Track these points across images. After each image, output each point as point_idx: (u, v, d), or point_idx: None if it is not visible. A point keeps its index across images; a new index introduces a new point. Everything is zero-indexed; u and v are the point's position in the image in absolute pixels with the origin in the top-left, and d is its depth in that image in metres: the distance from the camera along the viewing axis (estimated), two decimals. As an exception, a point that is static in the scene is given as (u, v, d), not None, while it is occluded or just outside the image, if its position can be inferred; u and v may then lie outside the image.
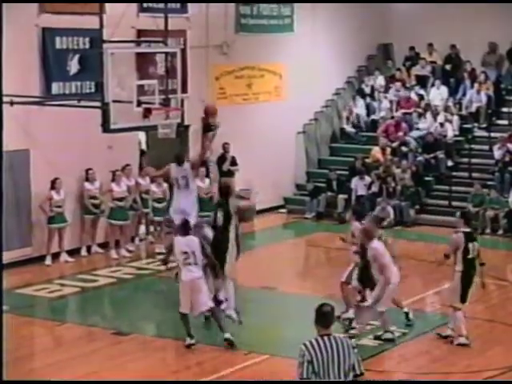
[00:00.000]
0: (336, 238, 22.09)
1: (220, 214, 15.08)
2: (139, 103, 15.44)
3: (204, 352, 14.36)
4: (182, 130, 20.04)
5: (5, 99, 17.20)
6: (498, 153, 24.05)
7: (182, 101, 17.56)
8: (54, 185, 19.36)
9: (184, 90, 20.76)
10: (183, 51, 19.71)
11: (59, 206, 19.52)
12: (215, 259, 14.89)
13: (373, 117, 26.82)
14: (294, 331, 16.03)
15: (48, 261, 19.32)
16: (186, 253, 13.97)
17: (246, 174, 23.41)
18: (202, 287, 14.15)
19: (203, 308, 14.18)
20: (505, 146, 23.96)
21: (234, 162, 23.51)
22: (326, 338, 8.11)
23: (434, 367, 13.77)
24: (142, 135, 21.39)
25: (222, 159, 23.48)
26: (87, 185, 20.18)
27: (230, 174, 23.40)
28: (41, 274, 17.78)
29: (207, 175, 22.08)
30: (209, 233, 15.26)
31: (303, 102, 25.55)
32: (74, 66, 19.42)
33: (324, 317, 8.41)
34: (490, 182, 23.69)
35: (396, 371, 14.04)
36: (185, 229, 14.21)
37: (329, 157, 26.80)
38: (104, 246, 20.63)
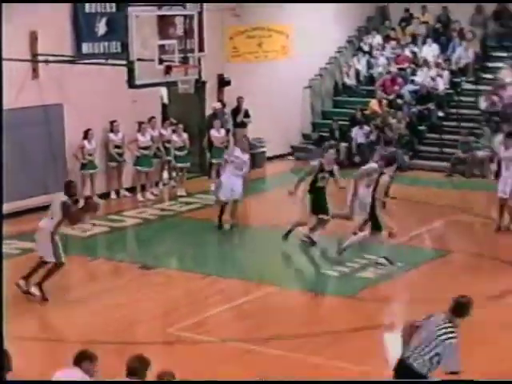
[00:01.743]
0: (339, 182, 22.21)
1: None
2: (161, 61, 15.40)
3: (220, 283, 14.44)
4: (200, 85, 20.08)
5: (41, 58, 17.36)
6: (484, 104, 23.99)
7: (199, 59, 17.46)
8: (86, 135, 19.45)
9: (201, 49, 20.65)
10: (200, 14, 19.65)
11: (91, 155, 19.63)
12: None
13: (371, 72, 26.65)
14: (299, 265, 16.18)
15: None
16: None
17: (258, 125, 23.38)
18: None
19: None
20: (490, 98, 23.89)
21: (246, 114, 23.49)
22: None
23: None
24: (163, 90, 21.33)
25: (236, 111, 23.49)
26: (111, 135, 20.25)
27: (244, 125, 23.47)
28: (75, 215, 17.84)
29: (222, 126, 22.08)
30: None
31: (308, 60, 25.46)
32: (101, 27, 19.42)
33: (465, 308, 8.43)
34: (476, 131, 23.63)
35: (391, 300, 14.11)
36: None
37: (332, 109, 26.70)
38: (131, 190, 20.71)
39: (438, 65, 25.65)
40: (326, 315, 13.26)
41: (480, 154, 22.77)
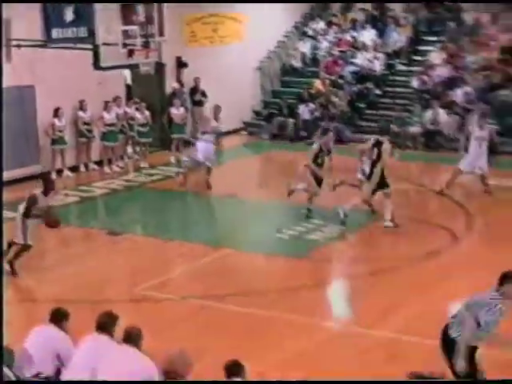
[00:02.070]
0: (287, 154, 22.24)
1: None
2: (124, 45, 15.31)
3: (182, 246, 14.42)
4: (160, 67, 20.01)
5: (13, 43, 17.08)
6: (415, 83, 24.12)
7: (160, 43, 17.37)
8: (56, 113, 19.35)
9: (161, 34, 20.56)
10: (160, 2, 19.57)
11: (61, 131, 19.51)
12: None
13: (315, 55, 26.62)
14: (254, 230, 16.19)
15: (53, 175, 19.29)
16: None
17: (214, 103, 23.31)
18: None
19: None
20: (421, 78, 24.03)
21: (203, 94, 23.44)
22: None
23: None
24: (127, 72, 21.19)
25: (193, 91, 23.42)
26: (81, 113, 20.16)
27: (201, 103, 23.46)
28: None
29: (181, 104, 22.06)
30: None
31: (258, 44, 25.51)
32: (69, 15, 19.19)
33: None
34: (409, 107, 23.76)
35: (336, 260, 14.17)
36: None
37: (280, 88, 26.64)
38: (99, 163, 20.61)
39: (375, 48, 25.72)
40: (278, 274, 13.29)
41: (412, 128, 22.90)
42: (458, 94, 23.20)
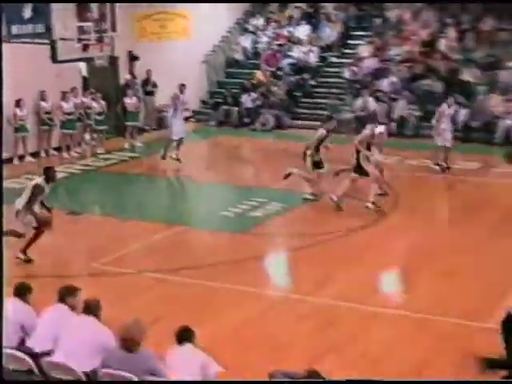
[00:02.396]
0: (232, 139, 22.20)
1: None
2: (79, 40, 15.13)
3: (138, 225, 14.31)
4: (113, 60, 19.82)
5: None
6: (347, 74, 24.22)
7: (113, 38, 17.17)
8: (18, 103, 19.07)
9: (113, 29, 20.53)
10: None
11: (22, 120, 19.24)
12: None
13: (256, 49, 26.56)
14: (203, 209, 16.15)
15: (16, 161, 19.07)
16: None
17: (164, 93, 23.19)
18: None
19: None
20: (351, 69, 24.14)
21: (154, 85, 23.31)
22: None
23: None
24: (82, 65, 20.95)
25: (145, 82, 23.27)
26: (42, 103, 19.90)
27: (152, 93, 23.37)
28: (11, 172, 17.34)
29: (134, 94, 21.91)
30: None
31: (204, 39, 25.39)
32: (28, 12, 18.85)
33: None
34: (341, 96, 23.85)
35: (277, 234, 14.20)
36: None
37: (225, 79, 26.54)
38: (58, 149, 20.37)
39: (309, 42, 25.75)
40: (224, 248, 13.27)
41: (344, 115, 22.99)
42: (385, 84, 23.36)
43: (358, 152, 15.03)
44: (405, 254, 12.81)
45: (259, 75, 25.01)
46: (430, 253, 12.63)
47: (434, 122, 18.24)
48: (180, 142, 19.06)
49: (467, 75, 22.70)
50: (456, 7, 24.90)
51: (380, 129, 15.81)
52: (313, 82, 25.07)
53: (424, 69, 23.40)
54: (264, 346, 9.26)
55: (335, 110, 23.15)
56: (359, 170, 15.02)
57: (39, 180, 12.18)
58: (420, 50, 23.97)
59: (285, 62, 25.50)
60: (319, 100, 24.28)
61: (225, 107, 24.56)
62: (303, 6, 27.12)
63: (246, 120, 23.95)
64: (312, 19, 26.71)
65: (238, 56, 26.71)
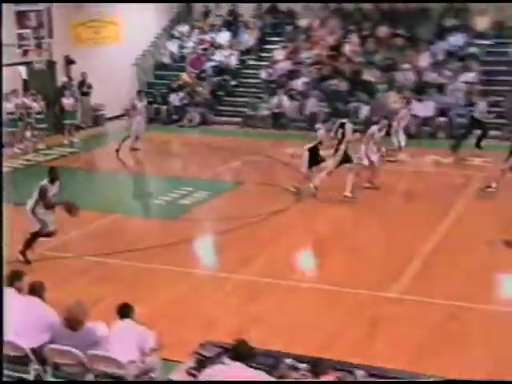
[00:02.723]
0: (162, 135, 21.98)
1: None
2: (19, 46, 14.75)
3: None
4: (51, 64, 19.40)
5: None
6: (264, 75, 24.24)
7: (50, 44, 16.86)
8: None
9: (51, 36, 20.26)
10: (49, 9, 19.06)
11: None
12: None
13: (182, 53, 26.34)
14: (136, 198, 15.99)
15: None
16: None
17: (99, 94, 22.92)
18: None
19: None
20: (268, 71, 24.16)
21: (89, 86, 22.90)
22: None
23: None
24: (22, 68, 20.44)
25: (81, 84, 22.84)
26: (-13, 104, 19.36)
27: (88, 94, 23.00)
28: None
29: (71, 95, 21.52)
30: None
31: (135, 44, 25.03)
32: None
33: None
34: (259, 95, 23.87)
35: (204, 219, 14.14)
36: None
37: (154, 80, 26.22)
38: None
39: (230, 47, 25.68)
40: (157, 233, 13.16)
41: (262, 111, 23.04)
42: (298, 84, 23.49)
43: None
44: (318, 234, 12.94)
45: (185, 77, 24.84)
46: (339, 232, 12.80)
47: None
48: (137, 137, 19.55)
49: (368, 75, 23.02)
50: (358, 15, 25.19)
51: (374, 128, 15.72)
52: (234, 83, 25.02)
53: (331, 70, 23.61)
54: (195, 320, 9.23)
55: (254, 107, 23.21)
56: (346, 158, 14.68)
57: (44, 181, 11.43)
58: (327, 53, 24.17)
59: (208, 65, 25.37)
60: (239, 99, 24.23)
61: (154, 106, 24.33)
62: (224, 14, 27.03)
63: (174, 117, 23.78)
64: (232, 26, 26.63)
65: (166, 59, 26.46)
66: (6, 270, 7.43)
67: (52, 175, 11.45)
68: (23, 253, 11.32)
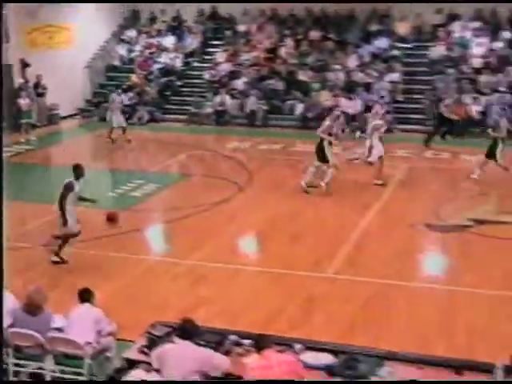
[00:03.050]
0: (114, 132, 21.70)
1: None
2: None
3: (36, 207, 13.76)
4: (8, 67, 18.96)
5: None
6: (207, 75, 24.18)
7: (6, 48, 16.46)
8: None
9: (7, 41, 19.83)
10: (5, 15, 18.68)
11: None
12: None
13: (131, 56, 26.01)
14: (92, 191, 15.72)
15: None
16: None
17: (53, 94, 22.50)
18: None
19: None
20: (211, 72, 24.10)
21: (44, 87, 22.47)
22: None
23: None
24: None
25: (36, 85, 22.36)
26: None
27: (43, 94, 22.56)
28: None
29: (28, 96, 21.08)
30: None
31: (86, 48, 24.63)
32: None
33: None
34: (203, 94, 23.74)
35: (153, 210, 14.04)
36: None
37: (105, 81, 25.80)
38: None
39: (175, 50, 25.49)
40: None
41: (206, 110, 22.94)
42: (238, 83, 23.47)
43: (321, 141, 14.24)
44: (260, 222, 12.98)
45: (134, 78, 24.55)
46: (279, 219, 12.86)
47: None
48: (124, 129, 19.75)
49: (303, 76, 23.16)
50: (292, 21, 25.29)
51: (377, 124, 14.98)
52: (179, 83, 24.85)
53: (269, 71, 23.68)
54: (146, 302, 9.18)
55: (198, 105, 23.11)
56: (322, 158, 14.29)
57: (69, 179, 10.70)
58: (265, 56, 24.21)
59: (155, 67, 25.12)
60: (185, 98, 24.07)
61: (106, 105, 23.96)
62: (169, 20, 26.79)
63: (126, 115, 23.45)
64: (176, 31, 26.41)
65: (116, 62, 26.07)
66: None
67: (77, 172, 10.63)
68: (57, 254, 10.73)
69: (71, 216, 10.58)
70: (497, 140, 15.09)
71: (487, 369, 5.98)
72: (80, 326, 6.85)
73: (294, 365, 5.83)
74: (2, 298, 5.55)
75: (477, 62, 22.23)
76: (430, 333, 8.31)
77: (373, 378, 6.05)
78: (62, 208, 10.48)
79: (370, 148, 15.02)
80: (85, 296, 7.07)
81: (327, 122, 14.44)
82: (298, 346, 6.50)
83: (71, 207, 10.57)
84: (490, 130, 15.60)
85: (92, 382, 6.82)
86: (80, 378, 6.78)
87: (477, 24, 23.25)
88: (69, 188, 10.51)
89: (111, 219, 10.80)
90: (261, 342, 5.95)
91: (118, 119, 19.90)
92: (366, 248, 11.28)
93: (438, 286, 9.86)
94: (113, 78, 25.69)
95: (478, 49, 22.55)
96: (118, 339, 7.22)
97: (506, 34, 22.72)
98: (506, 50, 22.37)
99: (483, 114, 20.50)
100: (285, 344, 6.46)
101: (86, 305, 7.03)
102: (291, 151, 18.74)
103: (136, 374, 6.08)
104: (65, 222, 10.52)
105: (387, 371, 6.16)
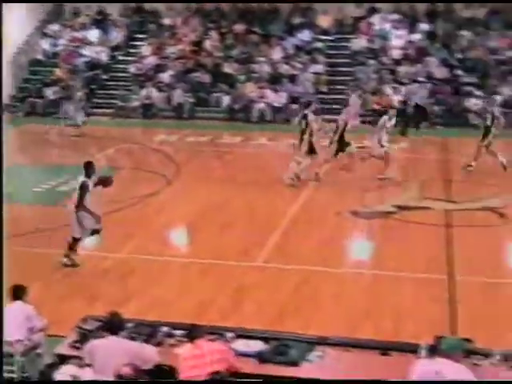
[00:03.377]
0: (40, 127, 21.15)
1: None
2: None
3: None
4: None
5: None
6: (133, 69, 23.86)
7: None
8: None
9: None
10: None
11: None
12: None
13: (55, 50, 25.30)
14: (20, 186, 15.30)
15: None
16: None
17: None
18: None
19: None
20: (136, 65, 23.79)
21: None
22: None
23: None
24: None
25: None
26: None
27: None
28: None
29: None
30: None
31: (9, 42, 23.47)
32: None
33: None
34: (129, 87, 23.37)
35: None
36: None
37: (30, 76, 24.92)
38: None
39: (101, 44, 25.01)
40: (38, 219, 12.62)
41: (133, 103, 22.60)
42: (165, 77, 23.25)
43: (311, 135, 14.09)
44: (189, 213, 12.90)
45: (59, 72, 23.97)
46: (208, 210, 12.82)
47: None
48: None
49: (228, 68, 23.14)
50: (217, 14, 25.20)
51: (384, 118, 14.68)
52: (105, 77, 24.41)
53: (194, 64, 23.55)
54: (76, 296, 9.00)
55: (125, 99, 22.79)
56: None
57: (82, 178, 10.11)
58: (190, 48, 24.07)
59: (80, 61, 24.57)
60: (111, 91, 23.69)
61: (31, 100, 23.36)
62: (93, 13, 26.22)
63: (50, 110, 22.90)
64: (101, 24, 25.89)
65: (40, 56, 25.37)
66: None
67: (88, 170, 10.14)
68: (68, 256, 10.28)
69: (90, 215, 10.09)
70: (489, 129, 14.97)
71: (412, 349, 6.12)
72: (11, 323, 6.69)
73: (225, 353, 5.84)
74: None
75: (396, 54, 22.74)
76: (358, 317, 8.45)
77: (303, 363, 6.12)
78: (83, 209, 10.02)
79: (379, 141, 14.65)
80: (17, 293, 6.92)
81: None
82: (229, 335, 6.51)
83: (89, 206, 10.08)
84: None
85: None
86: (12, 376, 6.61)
87: (396, 16, 23.77)
88: (85, 187, 10.03)
89: (104, 182, 10.31)
90: (193, 332, 5.93)
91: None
92: (294, 236, 11.37)
93: (364, 271, 10.05)
94: (36, 72, 25.00)
95: (397, 40, 23.07)
96: (50, 335, 7.05)
97: (424, 26, 23.32)
98: (424, 42, 22.96)
99: (404, 103, 20.97)
100: (217, 333, 6.46)
101: (18, 302, 6.88)
102: (219, 143, 18.71)
103: (67, 369, 5.96)
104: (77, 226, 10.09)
105: (316, 355, 6.24)
